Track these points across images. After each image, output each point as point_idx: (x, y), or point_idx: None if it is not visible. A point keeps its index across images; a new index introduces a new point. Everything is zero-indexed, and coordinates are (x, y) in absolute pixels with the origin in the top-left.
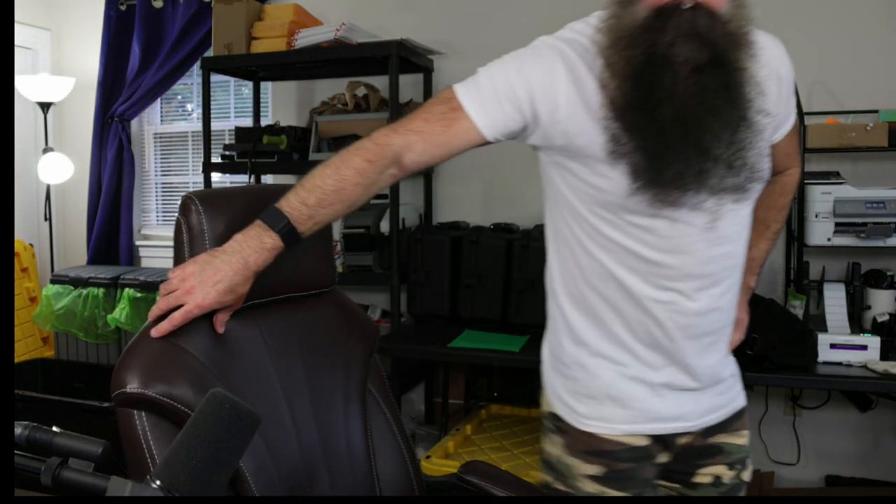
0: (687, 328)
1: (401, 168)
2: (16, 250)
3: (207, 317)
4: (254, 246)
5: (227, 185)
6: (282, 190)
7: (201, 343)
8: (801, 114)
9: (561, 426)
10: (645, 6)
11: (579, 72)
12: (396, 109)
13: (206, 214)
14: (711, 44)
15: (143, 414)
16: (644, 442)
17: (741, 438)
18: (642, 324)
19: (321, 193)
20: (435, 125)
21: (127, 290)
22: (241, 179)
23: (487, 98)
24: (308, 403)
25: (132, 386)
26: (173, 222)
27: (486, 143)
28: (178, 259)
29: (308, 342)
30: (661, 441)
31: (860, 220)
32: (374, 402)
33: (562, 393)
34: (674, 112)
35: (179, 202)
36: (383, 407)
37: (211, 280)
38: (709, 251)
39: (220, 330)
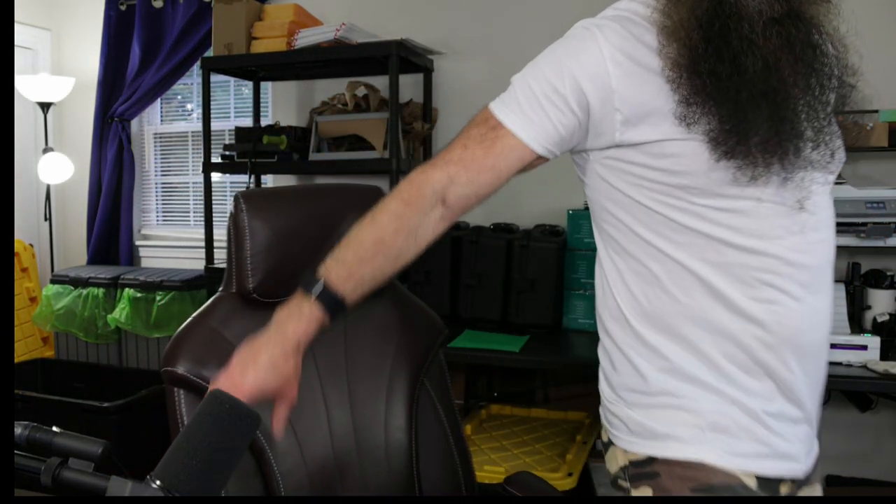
0: (795, 335)
1: (447, 206)
2: (16, 250)
3: (251, 307)
4: (293, 315)
5: (228, 184)
6: (326, 189)
7: (242, 331)
8: None
9: (652, 470)
10: None
11: (628, 46)
12: (396, 109)
13: (248, 213)
14: None
15: (182, 392)
16: (752, 484)
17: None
18: (741, 338)
19: (358, 247)
20: (475, 150)
21: (127, 290)
22: (242, 180)
23: (528, 106)
24: (346, 396)
25: (172, 365)
26: (173, 222)
27: (539, 158)
28: (228, 252)
29: (356, 336)
30: (767, 487)
31: (860, 220)
32: (428, 399)
33: (652, 425)
34: (762, 60)
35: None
36: (437, 406)
37: (250, 359)
38: (803, 236)
39: (280, 433)
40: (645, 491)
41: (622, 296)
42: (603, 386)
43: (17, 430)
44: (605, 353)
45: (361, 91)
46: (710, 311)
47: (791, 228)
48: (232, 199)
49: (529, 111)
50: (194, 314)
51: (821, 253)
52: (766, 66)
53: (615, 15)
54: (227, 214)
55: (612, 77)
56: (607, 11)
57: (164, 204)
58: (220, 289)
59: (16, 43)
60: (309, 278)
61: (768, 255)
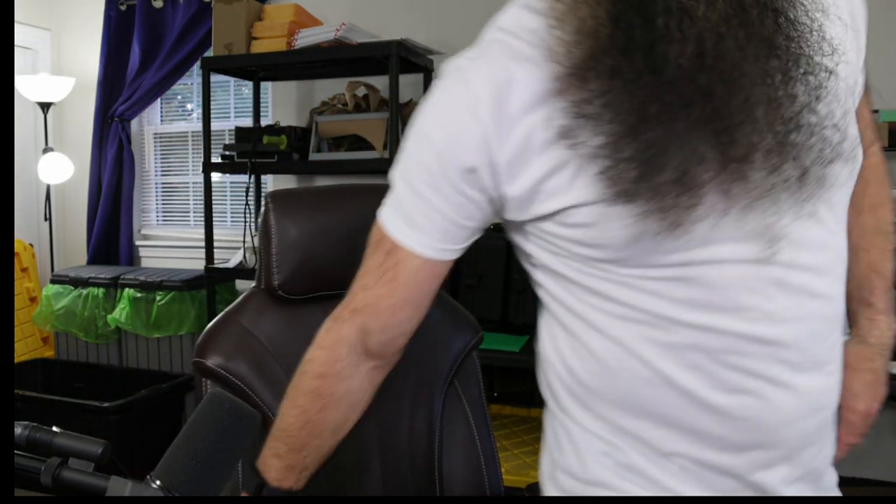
0: (784, 430)
1: (374, 356)
2: (16, 250)
3: (278, 304)
4: None
5: (228, 184)
6: (356, 189)
7: (269, 329)
8: None
9: None
10: None
11: (511, 87)
12: (396, 109)
13: (274, 213)
14: None
15: (209, 382)
16: None
17: None
18: (706, 432)
19: (288, 436)
20: (378, 289)
21: (127, 290)
22: (242, 180)
23: (416, 210)
24: None
25: (202, 357)
26: (173, 222)
27: (454, 259)
28: (259, 250)
29: None
30: None
31: None
32: (457, 400)
33: None
34: (694, 44)
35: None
36: (466, 407)
37: None
38: (776, 301)
39: None
40: None
41: (561, 371)
42: (543, 458)
43: (17, 430)
44: (549, 423)
45: (361, 91)
46: (662, 401)
47: (757, 293)
48: (231, 198)
49: (420, 216)
50: (226, 309)
51: (810, 316)
52: (698, 55)
53: (493, 39)
54: (227, 214)
55: (493, 138)
56: (486, 33)
57: (164, 204)
58: (253, 285)
59: (16, 43)
60: (251, 476)
61: (730, 334)
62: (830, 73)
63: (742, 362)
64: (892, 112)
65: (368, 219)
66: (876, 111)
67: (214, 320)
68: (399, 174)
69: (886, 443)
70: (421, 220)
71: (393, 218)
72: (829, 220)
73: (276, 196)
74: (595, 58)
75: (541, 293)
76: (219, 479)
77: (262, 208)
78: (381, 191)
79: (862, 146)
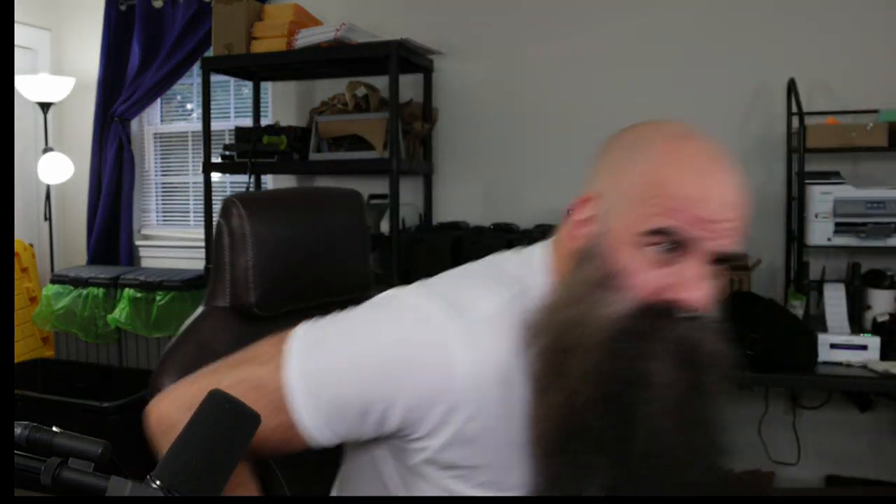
0: None
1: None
2: (16, 250)
3: (247, 323)
4: None
5: (228, 184)
6: (325, 193)
7: (235, 347)
8: (801, 114)
9: None
10: (633, 296)
11: (511, 375)
12: (396, 109)
13: (248, 217)
14: (697, 363)
15: None
16: None
17: None
18: None
19: None
20: (267, 448)
21: (127, 290)
22: (242, 180)
23: (335, 417)
24: None
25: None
26: (173, 222)
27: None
28: (218, 262)
29: None
30: None
31: (860, 220)
32: None
33: None
34: (659, 443)
35: (221, 206)
36: None
37: None
38: None
39: None
40: None
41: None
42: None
43: (17, 430)
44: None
45: (361, 91)
46: None
47: None
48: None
49: (336, 422)
50: (180, 332)
51: None
52: (660, 452)
53: (501, 305)
54: None
55: (468, 425)
56: (499, 281)
57: (164, 204)
58: (203, 304)
59: (16, 43)
60: None
61: None
62: None
63: None
64: (891, 112)
65: (330, 224)
66: (875, 111)
67: (170, 344)
68: (331, 371)
69: (886, 443)
70: (334, 426)
71: (308, 410)
72: None
73: (244, 199)
74: (569, 435)
75: (369, 463)
76: (219, 479)
77: (224, 213)
78: (340, 195)
79: None
